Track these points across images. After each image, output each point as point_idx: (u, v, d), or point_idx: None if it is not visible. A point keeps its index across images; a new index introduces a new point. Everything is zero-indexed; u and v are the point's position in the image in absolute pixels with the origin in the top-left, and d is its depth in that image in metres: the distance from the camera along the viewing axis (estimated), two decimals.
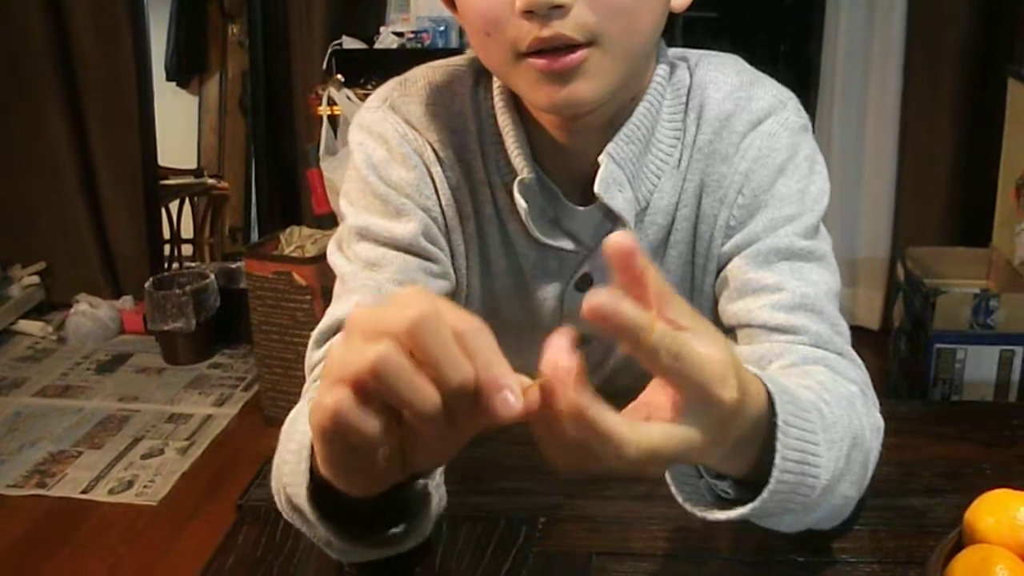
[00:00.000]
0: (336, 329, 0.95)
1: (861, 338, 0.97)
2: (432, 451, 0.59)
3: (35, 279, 4.29)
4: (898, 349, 3.20)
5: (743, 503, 0.71)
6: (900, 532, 0.90)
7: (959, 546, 0.78)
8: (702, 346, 0.57)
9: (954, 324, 2.80)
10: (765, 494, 0.69)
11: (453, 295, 1.04)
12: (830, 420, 0.76)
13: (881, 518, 0.91)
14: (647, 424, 0.57)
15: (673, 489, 0.74)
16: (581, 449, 0.56)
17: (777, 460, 0.69)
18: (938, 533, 0.82)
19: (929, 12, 3.60)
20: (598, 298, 0.52)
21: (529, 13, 0.82)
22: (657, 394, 0.61)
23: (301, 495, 0.71)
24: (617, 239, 0.55)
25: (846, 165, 3.74)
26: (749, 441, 0.68)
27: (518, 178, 0.97)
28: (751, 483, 0.71)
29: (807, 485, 0.72)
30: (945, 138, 3.69)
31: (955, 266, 3.19)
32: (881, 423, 0.88)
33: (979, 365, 2.83)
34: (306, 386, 0.95)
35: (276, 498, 0.81)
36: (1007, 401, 2.82)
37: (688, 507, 0.73)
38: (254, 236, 4.57)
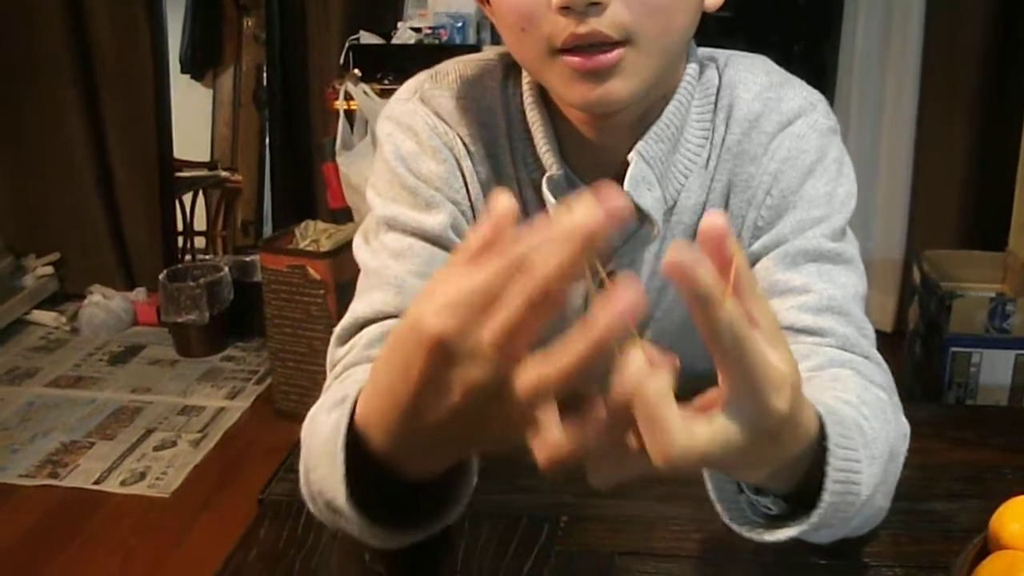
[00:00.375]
0: (359, 327, 0.95)
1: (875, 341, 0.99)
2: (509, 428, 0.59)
3: (49, 269, 4.31)
4: (912, 352, 3.19)
5: (786, 519, 0.71)
6: (922, 537, 0.89)
7: (983, 552, 0.78)
8: (768, 348, 0.56)
9: (970, 328, 2.80)
10: (814, 518, 0.69)
11: None
12: (870, 436, 0.76)
13: (903, 522, 0.90)
14: (694, 423, 0.55)
15: (718, 508, 0.73)
16: (624, 448, 0.56)
17: (827, 483, 0.68)
18: (960, 538, 0.82)
19: (947, 14, 3.58)
20: (680, 254, 0.51)
21: (566, 9, 0.82)
22: (712, 395, 0.60)
23: (340, 495, 0.70)
24: (712, 220, 0.54)
25: (861, 166, 3.71)
26: (799, 461, 0.67)
27: (547, 174, 0.97)
28: (793, 497, 0.71)
29: (848, 503, 0.71)
30: (961, 141, 3.67)
31: (971, 269, 3.18)
32: (907, 428, 0.88)
33: (994, 369, 2.82)
34: (327, 383, 0.94)
35: (311, 504, 0.79)
36: (1023, 406, 2.81)
37: (735, 527, 0.73)
38: (266, 230, 4.58)
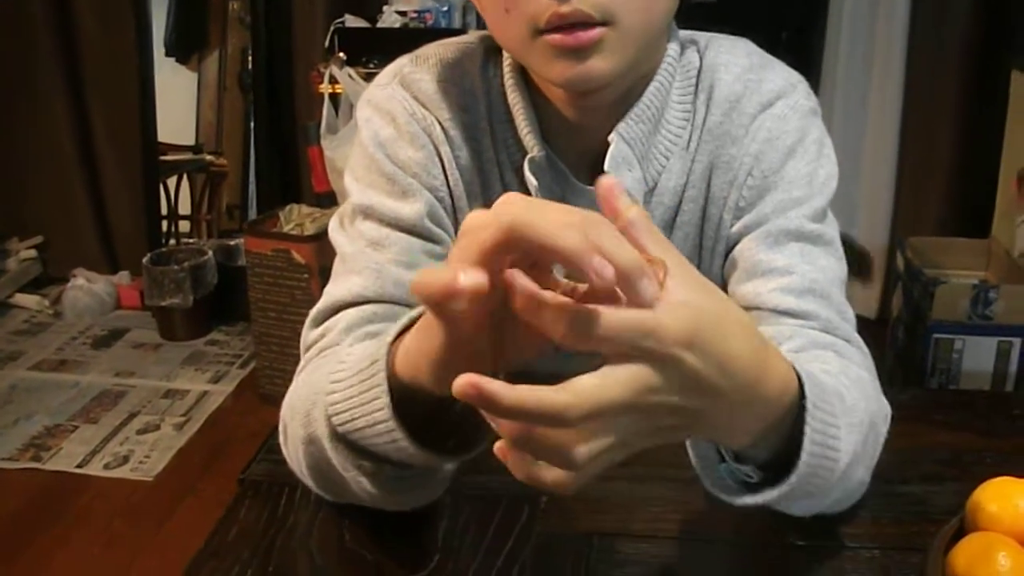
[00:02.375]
0: (336, 309, 0.94)
1: (858, 327, 1.00)
2: (524, 345, 0.61)
3: (32, 253, 4.29)
4: (896, 339, 3.20)
5: (766, 486, 0.72)
6: (901, 519, 0.90)
7: (961, 533, 0.79)
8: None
9: (952, 315, 2.80)
10: (793, 478, 0.70)
11: None
12: (850, 403, 0.76)
13: (882, 504, 0.91)
14: (575, 379, 0.55)
15: (700, 473, 0.74)
16: (535, 443, 0.56)
17: (805, 443, 0.69)
18: (939, 520, 0.83)
19: (933, 2, 3.59)
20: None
21: None
22: None
23: (383, 407, 0.70)
24: (605, 181, 0.56)
25: (846, 153, 3.72)
26: (780, 419, 0.68)
27: (528, 156, 0.97)
28: (772, 465, 0.72)
29: (827, 468, 0.72)
30: (946, 128, 3.68)
31: (954, 257, 3.19)
32: (888, 409, 0.88)
33: (977, 356, 2.83)
34: (300, 366, 0.94)
35: (300, 450, 0.82)
36: (1007, 390, 2.82)
37: (715, 492, 0.74)
38: (251, 213, 4.56)
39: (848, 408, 0.76)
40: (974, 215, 3.55)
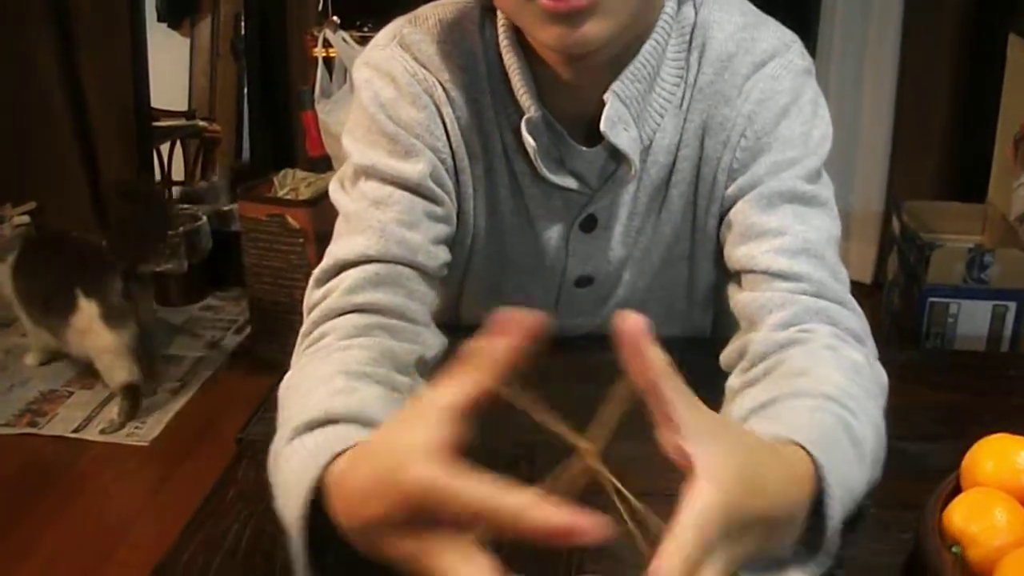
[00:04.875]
0: (339, 269, 0.94)
1: (853, 291, 1.00)
2: None
3: (26, 219, 4.25)
4: (891, 303, 3.21)
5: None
6: (898, 476, 0.90)
7: (957, 490, 0.79)
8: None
9: (948, 278, 2.81)
10: (823, 556, 0.71)
11: (452, 240, 1.03)
12: (860, 434, 0.77)
13: None
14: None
15: None
16: None
17: (828, 533, 0.70)
18: (935, 478, 0.83)
19: None
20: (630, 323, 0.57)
21: None
22: None
23: (297, 542, 0.69)
24: (630, 323, 0.57)
25: (843, 117, 3.71)
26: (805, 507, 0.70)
27: (525, 116, 0.96)
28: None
29: (848, 508, 0.74)
30: (943, 92, 3.67)
31: (950, 220, 3.19)
32: (885, 378, 0.88)
33: (972, 319, 2.84)
34: (304, 328, 0.93)
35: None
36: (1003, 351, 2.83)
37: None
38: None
39: (858, 439, 0.77)
40: (970, 179, 3.54)
